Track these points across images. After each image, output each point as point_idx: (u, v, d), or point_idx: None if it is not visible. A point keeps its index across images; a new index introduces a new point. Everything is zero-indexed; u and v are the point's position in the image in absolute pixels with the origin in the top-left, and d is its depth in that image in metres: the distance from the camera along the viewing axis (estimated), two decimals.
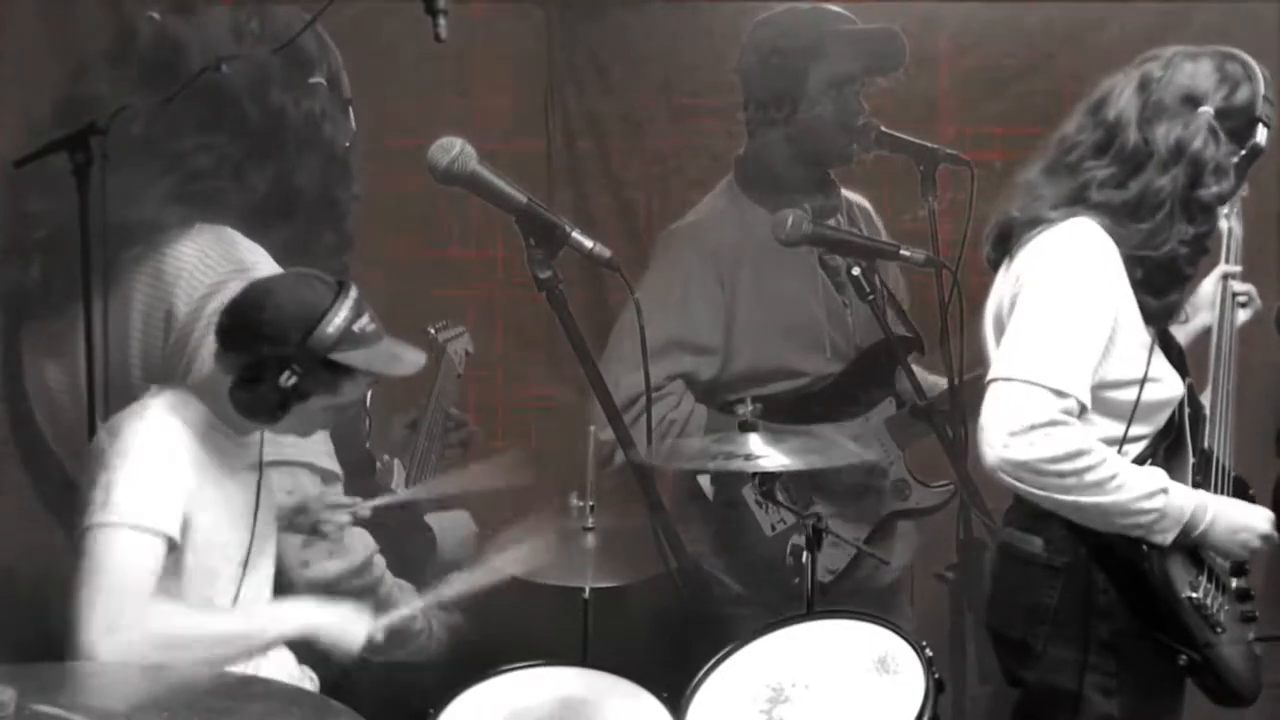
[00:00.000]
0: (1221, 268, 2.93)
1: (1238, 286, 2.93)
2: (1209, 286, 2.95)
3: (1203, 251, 2.67)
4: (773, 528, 3.41)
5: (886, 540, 3.53)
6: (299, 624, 2.43)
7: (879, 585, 3.50)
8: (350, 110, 2.91)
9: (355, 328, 2.39)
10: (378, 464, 3.18)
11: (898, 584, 3.61)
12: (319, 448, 2.68)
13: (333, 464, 2.71)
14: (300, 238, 2.78)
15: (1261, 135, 2.67)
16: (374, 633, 2.48)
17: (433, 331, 3.54)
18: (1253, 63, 2.68)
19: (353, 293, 2.41)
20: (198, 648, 2.29)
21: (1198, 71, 2.65)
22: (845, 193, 3.62)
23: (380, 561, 2.81)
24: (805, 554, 2.75)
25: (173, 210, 2.66)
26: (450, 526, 3.20)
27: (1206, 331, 2.92)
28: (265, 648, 2.43)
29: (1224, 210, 2.89)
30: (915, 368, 3.34)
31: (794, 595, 2.79)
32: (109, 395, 2.56)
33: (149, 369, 2.66)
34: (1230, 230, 2.94)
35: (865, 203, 3.69)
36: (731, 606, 3.38)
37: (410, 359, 2.50)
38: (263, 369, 2.37)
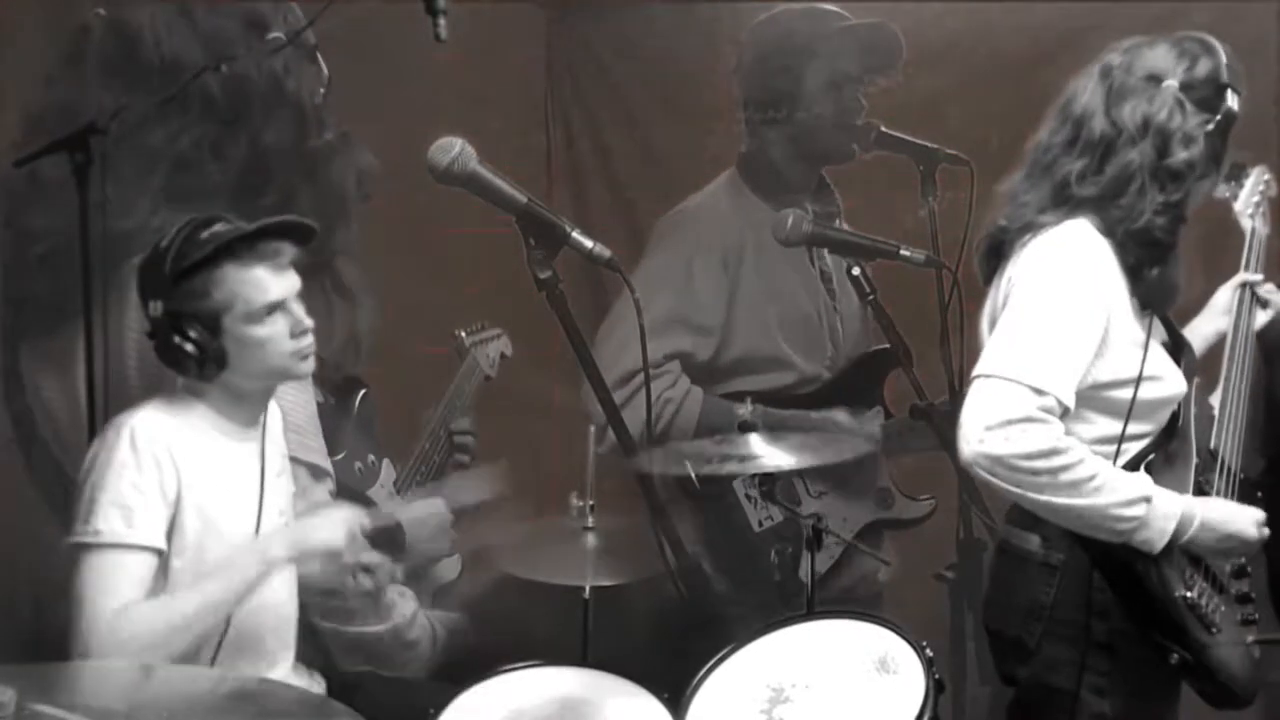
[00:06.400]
0: (1241, 276, 2.95)
1: (1262, 291, 2.95)
2: (1225, 293, 2.97)
3: (1180, 220, 2.65)
4: (760, 523, 3.41)
5: (873, 549, 3.53)
6: (275, 554, 2.44)
7: (864, 595, 3.51)
8: (318, 56, 2.86)
9: (203, 235, 2.40)
10: (356, 465, 3.17)
11: (879, 599, 3.59)
12: (308, 443, 2.67)
13: (323, 460, 2.70)
14: (281, 200, 2.77)
15: (1232, 100, 2.66)
16: (361, 522, 2.50)
17: (462, 334, 3.42)
18: (1211, 40, 2.69)
19: (216, 218, 2.43)
20: (187, 632, 2.32)
21: (1156, 54, 2.67)
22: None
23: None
24: (805, 553, 2.75)
25: (168, 214, 2.66)
26: (423, 517, 3.17)
27: (1221, 338, 2.92)
28: (256, 586, 2.42)
29: (1248, 212, 2.93)
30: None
31: (775, 592, 2.80)
32: (109, 395, 2.56)
33: (144, 365, 2.67)
34: (1254, 230, 2.95)
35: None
36: (732, 606, 3.38)
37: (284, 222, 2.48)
38: (152, 322, 2.42)
